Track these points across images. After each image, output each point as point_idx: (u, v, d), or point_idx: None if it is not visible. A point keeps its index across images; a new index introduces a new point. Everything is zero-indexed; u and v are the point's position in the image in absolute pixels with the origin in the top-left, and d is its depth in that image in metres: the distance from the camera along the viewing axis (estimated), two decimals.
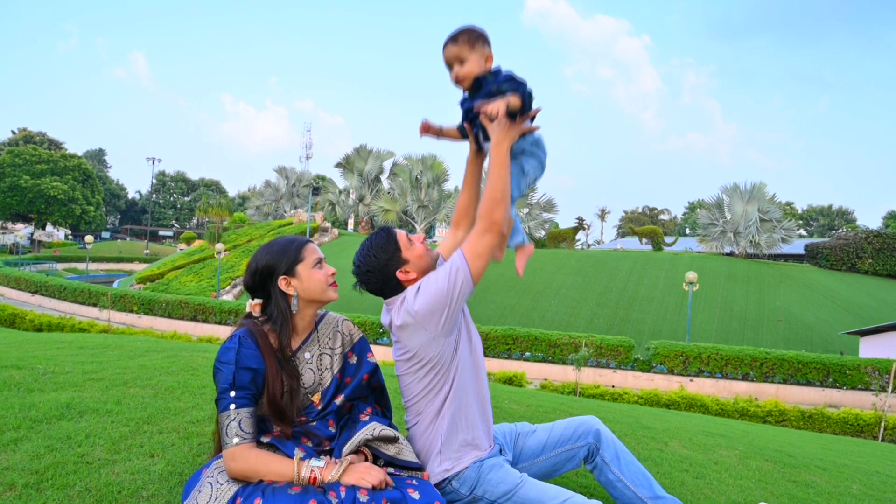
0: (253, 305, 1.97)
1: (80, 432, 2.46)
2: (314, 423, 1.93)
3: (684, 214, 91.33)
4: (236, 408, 1.72)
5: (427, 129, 2.18)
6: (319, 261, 1.98)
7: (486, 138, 2.00)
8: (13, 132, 73.42)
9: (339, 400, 1.97)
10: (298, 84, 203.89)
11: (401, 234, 2.05)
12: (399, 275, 2.00)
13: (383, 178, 50.06)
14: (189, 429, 2.70)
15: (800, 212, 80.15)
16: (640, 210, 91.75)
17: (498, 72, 1.97)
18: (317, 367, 1.98)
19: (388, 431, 1.88)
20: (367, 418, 1.97)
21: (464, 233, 2.25)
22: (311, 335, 2.02)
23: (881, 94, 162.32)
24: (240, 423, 1.71)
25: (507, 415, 3.92)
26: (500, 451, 2.13)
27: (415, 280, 2.01)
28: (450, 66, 1.99)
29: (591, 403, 5.67)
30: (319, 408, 1.95)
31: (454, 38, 1.97)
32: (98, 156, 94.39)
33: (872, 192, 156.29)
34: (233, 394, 1.74)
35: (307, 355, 1.98)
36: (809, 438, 6.06)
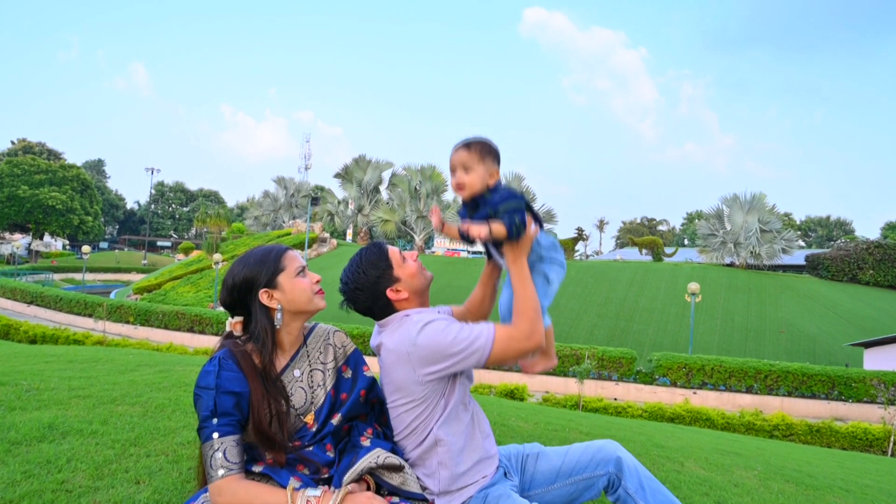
0: (233, 324, 1.82)
1: (62, 456, 2.31)
2: (310, 448, 1.78)
3: (683, 225, 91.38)
4: (220, 436, 1.59)
5: (435, 214, 2.14)
6: (302, 268, 1.85)
7: (497, 250, 1.97)
8: (12, 142, 73.50)
9: (335, 420, 1.82)
10: (298, 95, 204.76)
11: (393, 250, 1.95)
12: (389, 293, 1.88)
13: (382, 188, 49.97)
14: (179, 451, 2.54)
15: (798, 222, 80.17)
16: (638, 220, 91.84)
17: (497, 189, 1.92)
18: (308, 384, 1.84)
19: (393, 459, 1.73)
20: (368, 442, 1.82)
21: (472, 319, 2.16)
22: (300, 350, 1.87)
23: (877, 106, 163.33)
24: (225, 453, 1.57)
25: (514, 433, 3.75)
26: (505, 474, 1.97)
27: (406, 300, 1.90)
28: (454, 169, 1.93)
29: (599, 419, 5.49)
30: (314, 430, 1.81)
31: (468, 145, 1.91)
32: (97, 166, 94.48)
33: (870, 203, 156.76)
34: (215, 421, 1.60)
35: (297, 372, 1.83)
36: (823, 455, 5.89)
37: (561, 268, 2.02)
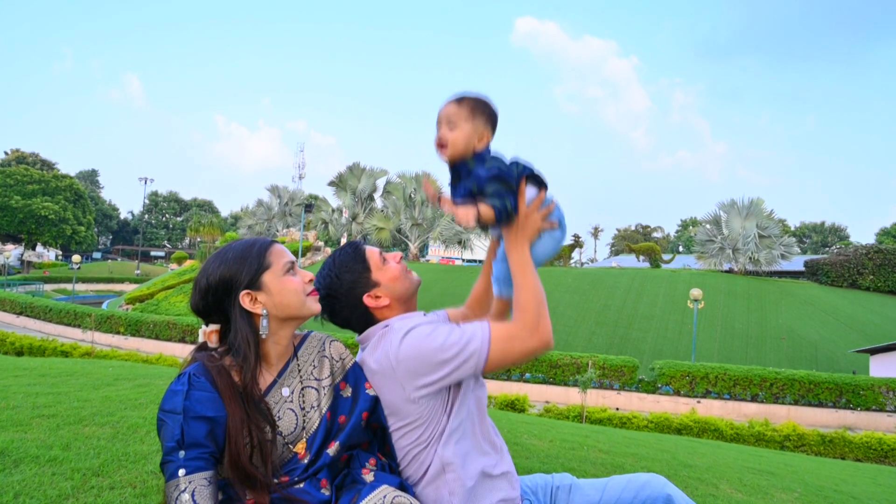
0: (208, 333, 1.49)
1: (9, 490, 1.96)
2: (301, 485, 1.46)
3: (677, 232, 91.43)
4: (187, 473, 1.27)
5: (428, 189, 1.87)
6: (291, 265, 1.53)
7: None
8: (6, 153, 73.22)
9: (332, 449, 1.50)
10: (291, 104, 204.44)
11: (371, 250, 1.66)
12: (367, 300, 1.60)
13: (377, 196, 49.78)
14: (149, 482, 2.20)
15: (793, 228, 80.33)
16: (633, 228, 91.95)
17: (482, 158, 1.60)
18: (299, 405, 1.52)
19: (403, 499, 1.41)
20: (371, 476, 1.50)
21: (475, 317, 1.88)
22: (290, 364, 1.55)
23: (867, 111, 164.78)
24: (193, 495, 1.26)
25: (529, 453, 3.40)
26: None
27: (387, 307, 1.60)
28: (438, 124, 1.64)
29: (615, 435, 5.16)
30: (306, 461, 1.48)
31: (459, 99, 1.63)
32: (91, 176, 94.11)
33: (864, 209, 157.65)
34: (182, 454, 1.28)
35: (285, 391, 1.51)
36: (851, 470, 5.56)
37: (562, 229, 1.74)
